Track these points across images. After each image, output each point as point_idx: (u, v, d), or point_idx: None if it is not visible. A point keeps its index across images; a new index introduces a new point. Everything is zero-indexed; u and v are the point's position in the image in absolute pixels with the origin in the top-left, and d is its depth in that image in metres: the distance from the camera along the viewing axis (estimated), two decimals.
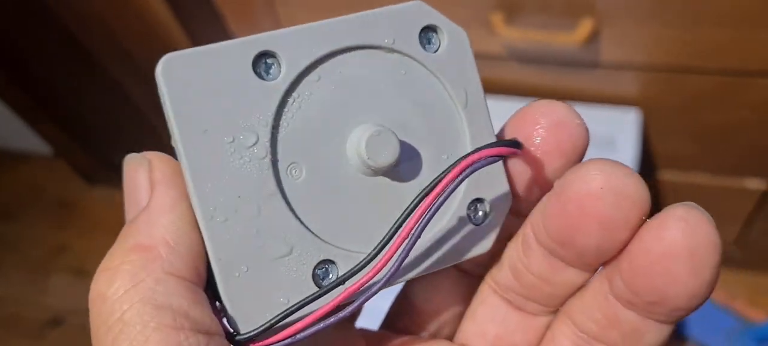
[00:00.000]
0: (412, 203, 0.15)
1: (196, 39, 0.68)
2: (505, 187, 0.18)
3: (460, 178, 0.15)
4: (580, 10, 0.52)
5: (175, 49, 0.15)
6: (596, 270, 0.16)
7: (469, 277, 0.19)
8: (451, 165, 0.16)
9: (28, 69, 0.89)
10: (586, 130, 0.16)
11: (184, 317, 0.14)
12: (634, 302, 0.15)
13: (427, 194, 0.15)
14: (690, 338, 0.76)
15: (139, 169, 0.16)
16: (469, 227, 0.17)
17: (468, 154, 0.16)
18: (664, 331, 0.15)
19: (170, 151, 0.16)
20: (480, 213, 0.18)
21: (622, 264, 0.15)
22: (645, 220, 0.14)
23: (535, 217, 0.16)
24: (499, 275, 0.18)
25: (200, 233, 0.15)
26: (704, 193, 0.66)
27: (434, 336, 0.20)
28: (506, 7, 0.54)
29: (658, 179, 0.69)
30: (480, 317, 0.19)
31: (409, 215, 0.15)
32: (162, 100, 0.15)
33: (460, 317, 0.20)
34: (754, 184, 0.64)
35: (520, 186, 0.17)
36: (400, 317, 0.20)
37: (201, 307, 0.14)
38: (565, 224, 0.15)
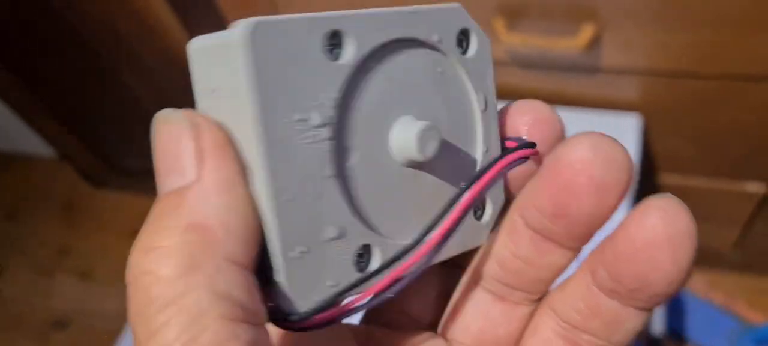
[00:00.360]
0: (457, 194, 0.16)
1: None
2: (500, 183, 0.19)
3: (500, 174, 0.17)
4: (581, 16, 0.53)
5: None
6: (579, 252, 0.17)
7: (449, 268, 0.20)
8: (491, 162, 0.17)
9: (34, 71, 0.90)
10: (563, 125, 0.18)
11: (240, 308, 0.13)
12: (617, 290, 0.16)
13: (469, 187, 0.17)
14: (690, 339, 0.77)
15: (183, 133, 0.14)
16: (470, 221, 0.18)
17: (508, 152, 0.17)
18: (641, 317, 0.16)
19: None
20: (481, 208, 0.18)
21: (605, 253, 0.16)
22: (631, 185, 0.16)
23: (522, 199, 0.17)
24: (482, 265, 0.19)
25: (257, 214, 0.14)
26: (705, 196, 0.67)
27: (419, 329, 0.20)
28: (508, 12, 0.54)
29: (659, 183, 0.69)
30: (462, 310, 0.19)
31: (453, 205, 0.16)
32: (223, 70, 0.14)
33: (443, 308, 0.20)
34: (754, 187, 0.65)
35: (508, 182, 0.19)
36: (383, 312, 0.20)
37: (253, 296, 0.14)
38: (559, 191, 0.16)
